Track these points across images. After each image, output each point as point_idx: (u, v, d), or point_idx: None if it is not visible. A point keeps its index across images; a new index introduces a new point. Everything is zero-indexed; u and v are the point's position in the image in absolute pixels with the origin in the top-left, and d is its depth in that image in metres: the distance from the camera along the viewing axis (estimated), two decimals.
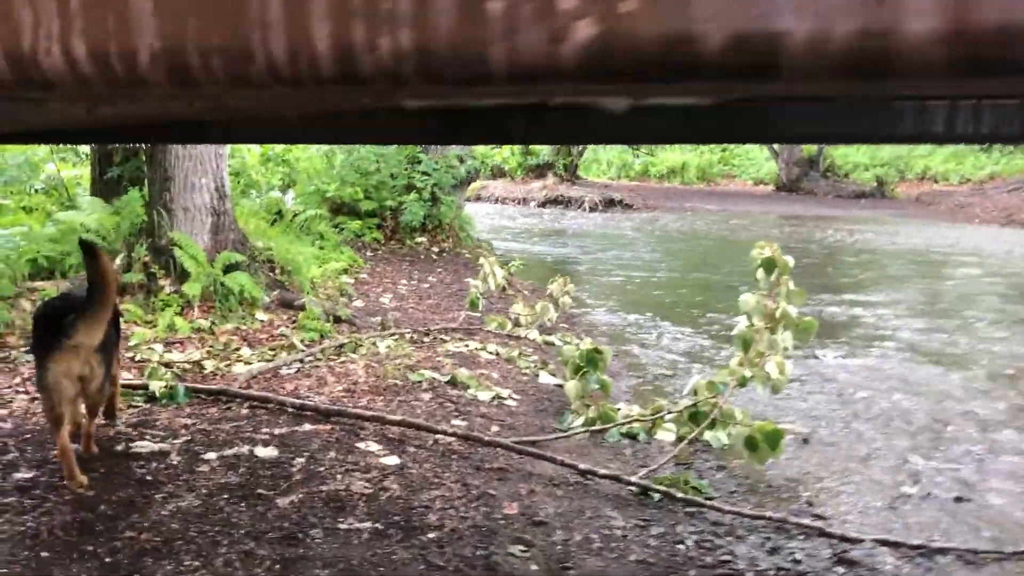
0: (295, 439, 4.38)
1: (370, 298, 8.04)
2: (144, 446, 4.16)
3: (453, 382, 5.53)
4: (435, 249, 11.46)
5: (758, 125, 2.38)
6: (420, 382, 5.49)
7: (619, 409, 5.21)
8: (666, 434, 5.07)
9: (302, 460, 4.12)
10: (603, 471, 4.24)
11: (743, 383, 4.95)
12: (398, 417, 4.65)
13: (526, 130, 2.71)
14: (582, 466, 4.25)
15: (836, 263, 13.58)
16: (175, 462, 4.01)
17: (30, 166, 7.60)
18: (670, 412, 5.05)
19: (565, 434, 4.89)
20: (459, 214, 12.28)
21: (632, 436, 5.04)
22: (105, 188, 7.44)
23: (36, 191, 7.81)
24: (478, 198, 26.56)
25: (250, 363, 5.73)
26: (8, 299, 6.01)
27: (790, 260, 5.01)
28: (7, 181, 7.44)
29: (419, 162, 11.52)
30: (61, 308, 3.61)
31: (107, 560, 3.06)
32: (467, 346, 6.52)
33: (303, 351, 6.02)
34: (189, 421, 4.57)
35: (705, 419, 4.79)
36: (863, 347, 7.67)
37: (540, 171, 28.67)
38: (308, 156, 11.93)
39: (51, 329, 3.46)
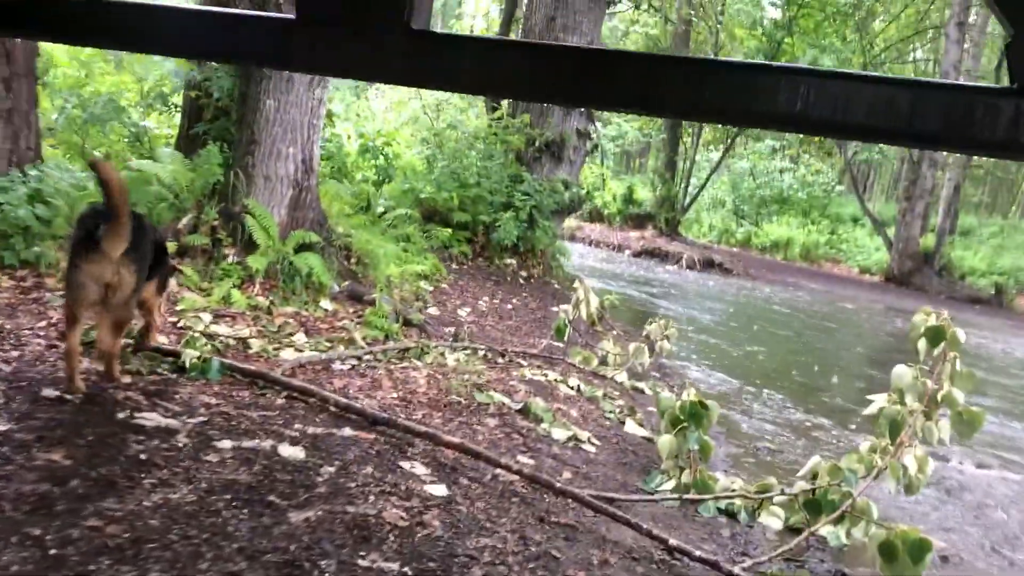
0: (330, 443, 3.63)
1: (447, 308, 7.31)
2: (151, 419, 3.46)
3: (525, 411, 4.72)
4: (524, 273, 10.70)
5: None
6: (487, 405, 4.69)
7: (718, 480, 4.31)
8: (773, 519, 4.15)
9: (331, 470, 3.35)
10: (698, 552, 3.35)
11: (873, 473, 4.02)
12: (456, 439, 3.85)
13: None
14: (673, 542, 3.37)
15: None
16: (181, 444, 3.29)
17: (116, 109, 7.15)
18: (782, 494, 4.12)
19: (652, 497, 4.02)
20: (555, 242, 11.52)
21: (731, 514, 4.13)
22: (189, 144, 6.93)
23: (121, 138, 7.36)
24: (572, 237, 25.84)
25: (301, 351, 5.03)
26: (60, 239, 5.47)
27: (961, 335, 4.08)
28: (87, 119, 6.99)
29: (522, 181, 10.83)
30: (101, 215, 3.51)
31: (52, 552, 2.33)
32: (545, 376, 5.71)
33: (363, 348, 5.31)
34: (214, 401, 3.87)
35: (830, 510, 3.85)
36: (998, 459, 6.56)
37: (640, 221, 27.88)
38: (409, 156, 11.38)
39: (87, 233, 3.48)
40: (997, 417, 8.22)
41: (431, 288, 8.06)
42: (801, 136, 32.38)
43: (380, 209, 9.36)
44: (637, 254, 24.01)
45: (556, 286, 10.77)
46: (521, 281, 10.41)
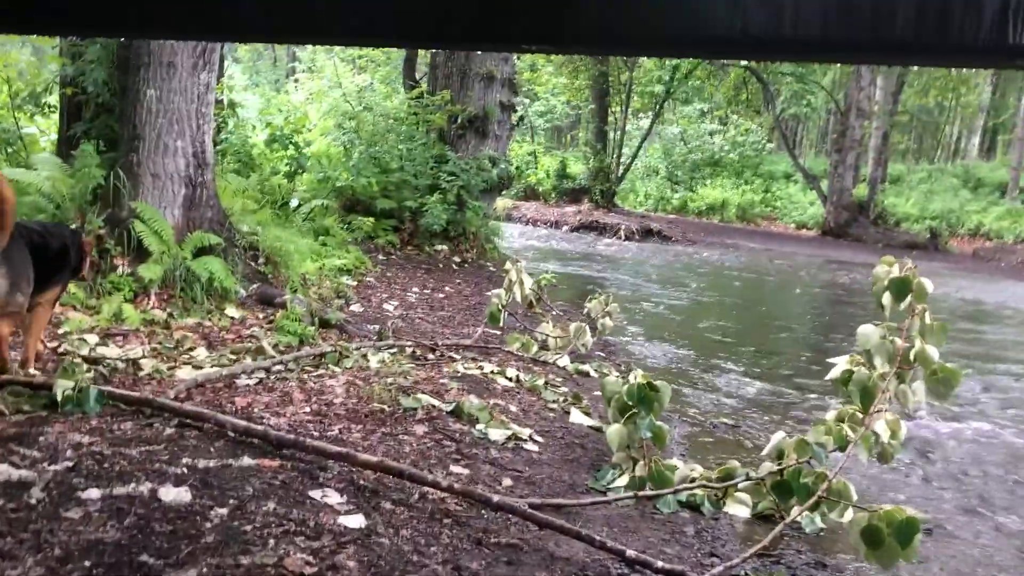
0: (224, 478, 3.09)
1: (372, 303, 6.77)
2: (0, 472, 2.88)
3: (458, 413, 4.22)
4: (456, 259, 10.19)
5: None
6: (414, 410, 4.18)
7: (676, 468, 3.87)
8: (739, 507, 3.73)
9: (224, 512, 2.82)
10: (660, 563, 2.90)
11: (842, 446, 3.63)
12: (375, 458, 3.34)
13: None
14: (630, 553, 2.92)
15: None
16: (35, 500, 2.73)
17: None
18: (747, 479, 3.70)
19: (604, 499, 3.56)
20: (487, 223, 11.03)
21: (694, 507, 3.70)
22: (70, 147, 6.25)
23: None
24: (508, 218, 25.32)
25: (201, 367, 4.46)
26: None
27: (928, 284, 3.70)
28: None
29: (446, 161, 10.29)
30: None
31: None
32: (481, 368, 5.21)
33: (274, 358, 4.75)
34: (87, 439, 3.29)
35: (802, 494, 3.44)
36: (963, 411, 6.27)
37: (575, 195, 27.48)
38: (325, 142, 10.75)
39: None
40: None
41: (354, 283, 7.51)
42: (728, 96, 32.34)
43: (294, 202, 8.74)
44: (575, 229, 23.62)
45: (492, 269, 10.28)
46: (454, 267, 9.90)
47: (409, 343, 5.45)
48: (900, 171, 37.17)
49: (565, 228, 23.86)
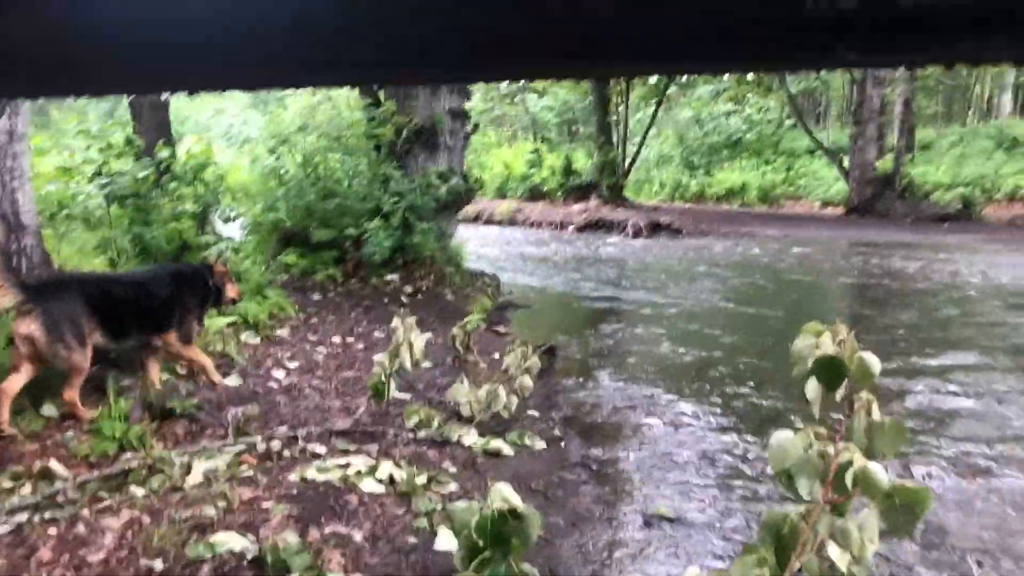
0: None
1: (261, 370, 5.66)
2: None
3: (262, 561, 3.09)
4: (408, 289, 9.07)
5: None
6: (200, 563, 3.06)
7: None
8: None
9: None
10: None
11: None
12: None
13: None
14: None
15: (922, 308, 10.77)
16: None
17: None
18: None
19: None
20: (445, 244, 9.89)
21: None
22: None
23: None
24: (512, 222, 24.25)
25: None
26: None
27: (874, 361, 2.50)
28: None
29: (390, 180, 9.17)
30: None
31: None
32: (346, 467, 4.07)
33: (65, 481, 3.66)
34: None
35: None
36: (994, 452, 5.00)
37: (583, 192, 26.24)
38: (255, 172, 9.71)
39: None
40: (990, 393, 6.69)
41: (256, 340, 6.41)
42: (737, 75, 30.78)
43: (211, 242, 7.67)
44: (581, 228, 22.42)
45: (449, 298, 9.14)
46: (404, 300, 8.77)
47: (262, 437, 4.32)
48: (930, 137, 35.33)
49: (571, 228, 22.68)
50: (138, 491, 3.65)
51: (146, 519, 3.36)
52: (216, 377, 5.11)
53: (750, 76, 29.86)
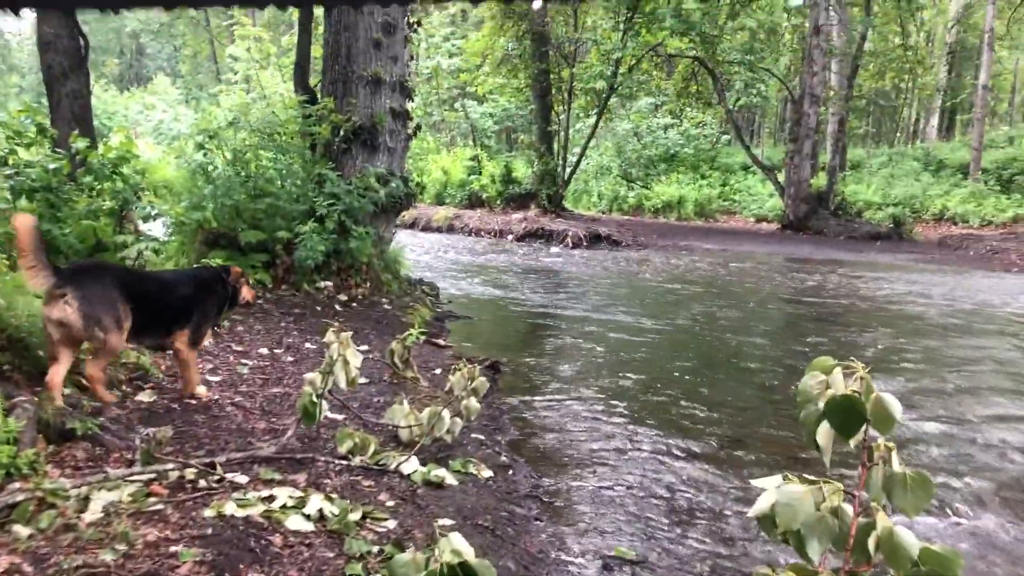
0: None
1: (180, 384, 5.11)
2: None
3: None
4: (343, 297, 8.57)
5: None
6: None
7: None
8: None
9: None
10: None
11: None
12: None
13: None
14: None
15: (867, 326, 10.68)
16: None
17: None
18: None
19: None
20: (383, 250, 9.41)
21: None
22: None
23: None
24: (450, 229, 23.80)
25: None
26: None
27: (894, 404, 2.16)
28: None
29: (325, 182, 8.66)
30: None
31: None
32: (270, 500, 3.60)
33: None
34: None
35: None
36: (954, 494, 4.77)
37: (522, 201, 25.94)
38: (181, 168, 9.11)
39: None
40: (954, 419, 6.51)
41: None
42: (678, 88, 30.90)
43: (130, 241, 7.07)
44: (520, 238, 22.11)
45: (387, 307, 8.67)
46: (338, 308, 8.27)
47: (175, 464, 3.81)
48: (860, 156, 36.07)
49: (510, 237, 22.33)
50: (23, 531, 3.12)
51: (28, 568, 2.85)
52: (199, 389, 4.97)
53: (691, 90, 30.00)
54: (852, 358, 2.25)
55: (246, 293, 5.39)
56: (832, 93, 28.08)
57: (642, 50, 24.39)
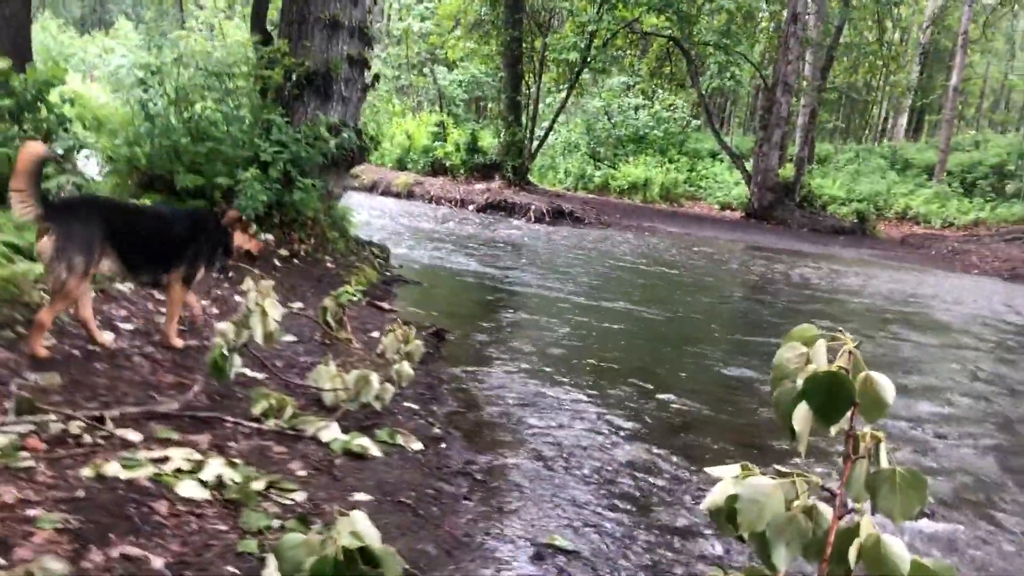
0: None
1: (81, 333, 4.61)
2: None
3: None
4: (283, 252, 8.06)
5: None
6: None
7: None
8: None
9: None
10: None
11: None
12: None
13: None
14: None
15: (831, 317, 10.45)
16: None
17: None
18: None
19: None
20: (331, 206, 8.91)
21: None
22: None
23: None
24: (410, 195, 23.24)
25: None
26: None
27: (887, 385, 1.78)
28: None
29: (272, 128, 8.13)
30: None
31: None
32: (162, 461, 3.16)
33: None
34: None
35: None
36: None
37: (486, 171, 25.47)
38: (117, 103, 8.52)
39: None
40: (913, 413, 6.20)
41: (91, 293, 5.34)
42: (651, 68, 30.53)
43: (51, 174, 6.50)
44: (482, 208, 21.63)
45: (330, 265, 8.20)
46: (278, 263, 7.77)
47: (58, 415, 3.34)
48: (828, 151, 36.07)
49: (472, 207, 21.85)
50: None
51: None
52: (175, 340, 4.75)
53: (664, 71, 29.66)
54: (840, 329, 1.87)
55: (242, 240, 5.10)
56: (805, 83, 27.90)
57: (618, 24, 23.92)
